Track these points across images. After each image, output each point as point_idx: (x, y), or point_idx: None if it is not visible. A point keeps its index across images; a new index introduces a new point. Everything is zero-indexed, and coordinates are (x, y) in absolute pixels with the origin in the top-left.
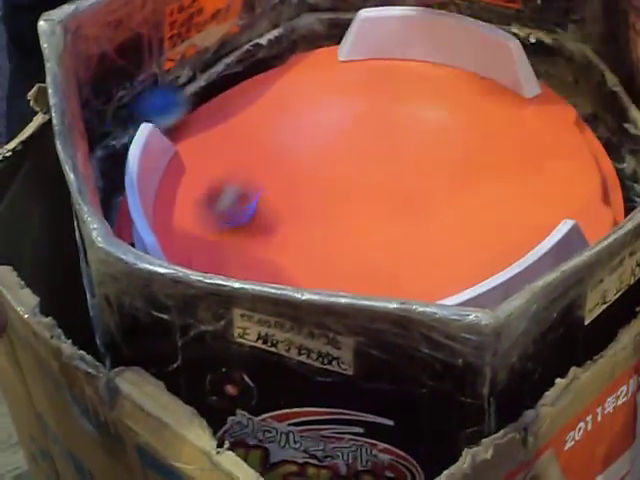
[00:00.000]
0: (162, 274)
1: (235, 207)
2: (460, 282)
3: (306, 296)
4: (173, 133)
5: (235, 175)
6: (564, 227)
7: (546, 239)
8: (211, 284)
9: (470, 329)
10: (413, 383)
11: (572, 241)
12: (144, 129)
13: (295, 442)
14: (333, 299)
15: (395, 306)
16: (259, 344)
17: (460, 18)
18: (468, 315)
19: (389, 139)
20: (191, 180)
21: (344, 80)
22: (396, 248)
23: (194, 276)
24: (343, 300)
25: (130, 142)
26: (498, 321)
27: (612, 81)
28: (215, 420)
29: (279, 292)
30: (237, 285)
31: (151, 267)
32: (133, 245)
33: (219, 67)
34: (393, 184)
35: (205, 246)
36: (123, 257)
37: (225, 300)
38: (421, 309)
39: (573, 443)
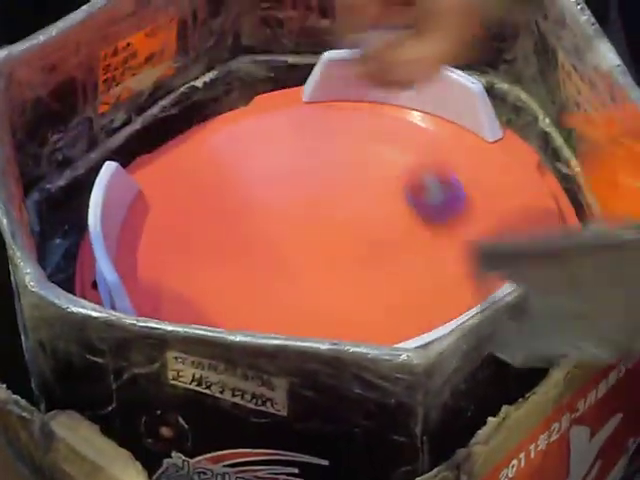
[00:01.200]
0: (95, 318)
1: (447, 196)
2: (420, 327)
3: (238, 338)
4: (136, 171)
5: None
6: None
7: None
8: (144, 327)
9: (402, 369)
10: (347, 423)
11: None
12: (108, 167)
13: None
14: (264, 341)
15: (326, 347)
16: (193, 386)
17: None
18: (399, 355)
19: (352, 183)
20: (155, 219)
21: (307, 121)
22: (358, 295)
23: (127, 320)
24: (274, 342)
25: (66, 185)
26: (429, 360)
27: (544, 121)
28: (151, 462)
29: (211, 334)
30: (170, 328)
31: (84, 311)
32: (95, 285)
33: (154, 110)
34: (357, 231)
35: (171, 284)
36: (56, 301)
37: (158, 343)
38: (353, 349)
39: None
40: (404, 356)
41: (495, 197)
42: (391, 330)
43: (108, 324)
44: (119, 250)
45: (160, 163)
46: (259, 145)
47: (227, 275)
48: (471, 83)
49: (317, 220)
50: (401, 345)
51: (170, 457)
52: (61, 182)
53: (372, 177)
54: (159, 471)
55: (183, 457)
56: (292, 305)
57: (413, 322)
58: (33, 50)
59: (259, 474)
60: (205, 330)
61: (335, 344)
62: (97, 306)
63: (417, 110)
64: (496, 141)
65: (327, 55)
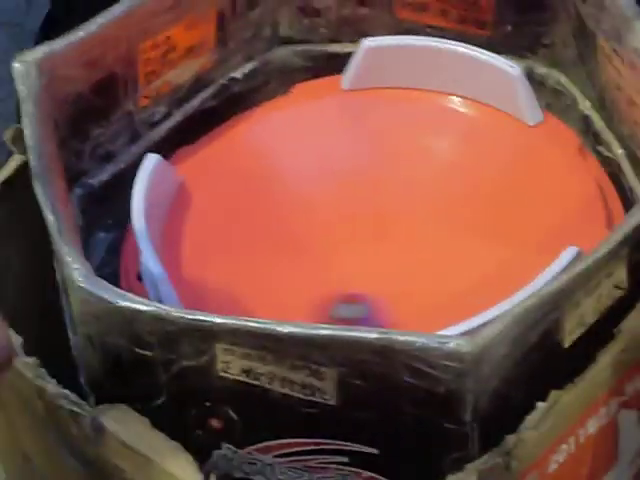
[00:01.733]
0: (144, 311)
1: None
2: (462, 310)
3: (287, 329)
4: (178, 163)
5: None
6: (568, 254)
7: (550, 266)
8: (193, 320)
9: (451, 357)
10: (396, 411)
11: None
12: (150, 159)
13: (281, 474)
14: (314, 331)
15: (375, 336)
16: (242, 377)
17: (462, 46)
18: (448, 343)
19: (392, 168)
20: (198, 211)
21: (348, 108)
22: (390, 277)
23: (175, 312)
24: (324, 332)
25: (108, 179)
26: (478, 348)
27: (584, 104)
28: (200, 454)
29: (260, 326)
30: (219, 320)
31: (133, 305)
32: (140, 279)
33: (194, 102)
34: (393, 213)
35: (215, 276)
36: (104, 296)
37: (207, 335)
38: (401, 338)
39: (556, 466)
40: (453, 344)
41: (538, 181)
42: (435, 317)
43: (156, 317)
44: (163, 243)
45: (201, 155)
46: (300, 134)
47: (271, 268)
48: (510, 67)
49: (361, 211)
50: (447, 331)
51: (219, 448)
52: (103, 176)
53: (414, 164)
54: (209, 462)
55: (233, 448)
56: (335, 298)
57: (455, 310)
58: (73, 46)
59: (309, 464)
60: (254, 322)
61: (384, 333)
62: (145, 300)
63: (456, 95)
64: (537, 125)
65: (366, 42)
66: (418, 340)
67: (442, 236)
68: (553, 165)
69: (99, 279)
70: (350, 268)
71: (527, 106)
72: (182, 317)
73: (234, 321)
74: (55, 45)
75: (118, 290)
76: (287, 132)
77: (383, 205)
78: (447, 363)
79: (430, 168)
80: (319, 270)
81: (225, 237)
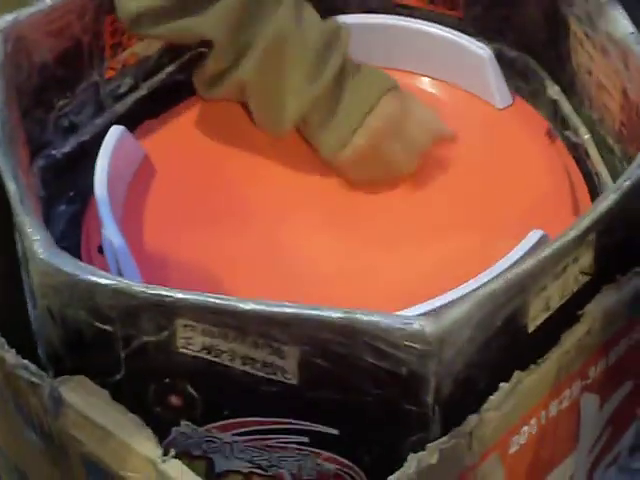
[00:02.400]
0: (104, 285)
1: None
2: (426, 291)
3: (250, 306)
4: (142, 136)
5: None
6: (533, 237)
7: (515, 249)
8: (154, 294)
9: (414, 338)
10: (358, 392)
11: None
12: (114, 131)
13: (240, 452)
14: (278, 309)
15: (339, 315)
16: (203, 354)
17: (432, 26)
18: (412, 324)
19: None
20: (161, 184)
21: None
22: (354, 255)
23: (137, 287)
24: (288, 310)
25: (71, 151)
26: (442, 329)
27: (552, 89)
28: (159, 431)
29: (223, 302)
30: (180, 295)
31: (93, 278)
32: (101, 251)
33: (161, 75)
34: (357, 193)
35: (178, 250)
36: (65, 268)
37: (168, 310)
38: (365, 318)
39: (518, 447)
40: (416, 325)
41: (506, 164)
42: (398, 297)
43: (117, 291)
44: (124, 215)
45: (166, 128)
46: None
47: (233, 241)
48: (480, 49)
49: (324, 189)
50: (410, 310)
51: (179, 425)
52: (67, 148)
53: None
54: (168, 439)
55: (192, 425)
56: (299, 272)
57: (420, 291)
58: (40, 15)
59: (269, 443)
60: (216, 298)
61: (347, 312)
62: (106, 273)
63: (426, 76)
64: (506, 108)
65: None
66: (382, 320)
67: (408, 217)
68: (521, 148)
69: (60, 251)
70: (312, 244)
71: (496, 89)
72: (143, 291)
73: (195, 297)
74: (20, 14)
75: (79, 262)
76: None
77: (347, 185)
78: (410, 344)
79: None
80: (279, 244)
81: (188, 211)
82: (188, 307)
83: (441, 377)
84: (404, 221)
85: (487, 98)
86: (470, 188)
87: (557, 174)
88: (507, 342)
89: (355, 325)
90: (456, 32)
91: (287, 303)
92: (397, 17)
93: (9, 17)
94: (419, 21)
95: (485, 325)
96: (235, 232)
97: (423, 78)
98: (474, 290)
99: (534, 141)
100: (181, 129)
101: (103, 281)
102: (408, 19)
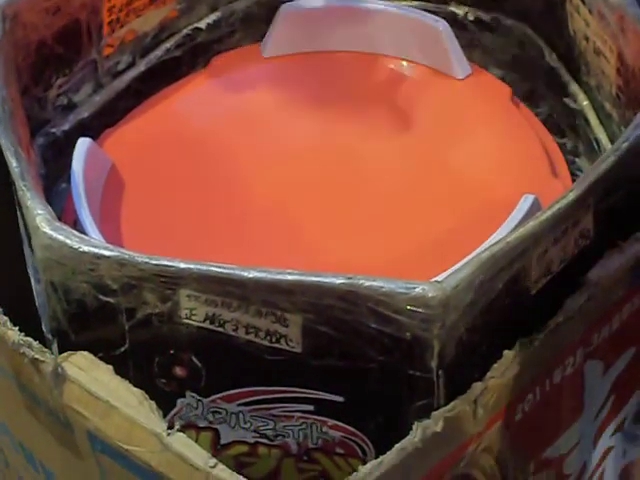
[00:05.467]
0: (107, 256)
1: None
2: (423, 263)
3: (253, 274)
4: (108, 143)
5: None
6: (526, 203)
7: (510, 216)
8: (157, 265)
9: (417, 302)
10: (362, 358)
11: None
12: (82, 143)
13: (245, 422)
14: (280, 276)
15: (342, 281)
16: (206, 324)
17: (382, 3)
18: (414, 288)
19: (325, 133)
20: (133, 190)
21: (272, 76)
22: (348, 228)
23: (140, 258)
24: (290, 277)
25: (70, 129)
26: (445, 293)
27: (550, 57)
28: (164, 403)
29: (225, 271)
30: (183, 265)
31: (96, 250)
32: None
33: (158, 52)
34: (333, 177)
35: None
36: (67, 241)
37: (171, 281)
38: (368, 283)
39: (522, 415)
40: (419, 289)
41: (476, 131)
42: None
43: (120, 262)
44: (101, 222)
45: (128, 134)
46: (224, 105)
47: (212, 241)
48: (435, 21)
49: (302, 176)
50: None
51: (184, 397)
52: (66, 126)
53: (346, 128)
54: (173, 411)
55: (197, 397)
56: (297, 260)
57: (426, 264)
58: None
59: (274, 412)
60: (218, 267)
61: (350, 278)
62: (109, 245)
63: (383, 55)
64: (466, 77)
65: (285, 7)
66: (385, 285)
67: (385, 198)
68: (489, 115)
69: (62, 225)
70: (301, 235)
71: (455, 59)
72: (146, 262)
73: (199, 266)
74: None
75: (81, 235)
76: (214, 104)
77: (321, 169)
78: (413, 308)
79: (364, 130)
80: (261, 242)
81: (163, 215)
82: (191, 277)
83: (445, 341)
84: (383, 202)
85: (447, 71)
86: (447, 163)
87: (528, 138)
88: (509, 306)
89: (358, 290)
90: (407, 6)
91: (289, 270)
92: None
93: None
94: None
95: (487, 288)
96: (215, 234)
97: (381, 57)
98: (476, 255)
99: (500, 107)
100: (144, 136)
101: (105, 253)
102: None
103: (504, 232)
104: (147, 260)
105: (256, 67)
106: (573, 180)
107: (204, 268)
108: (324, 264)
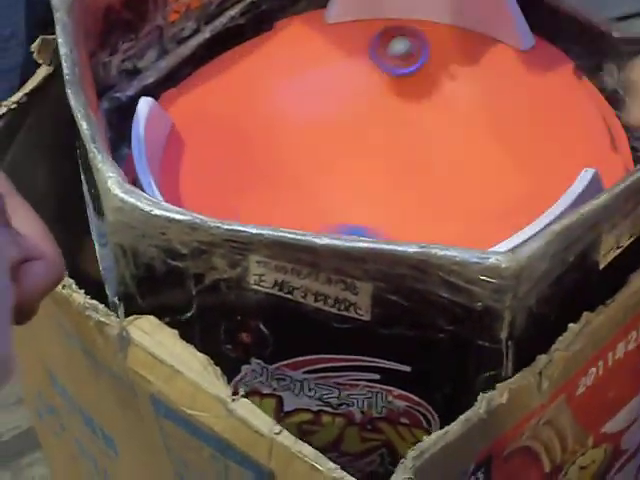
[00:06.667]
0: (179, 221)
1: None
2: (487, 235)
3: (325, 241)
4: (169, 104)
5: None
6: (586, 176)
7: (570, 189)
8: (229, 230)
9: (490, 272)
10: (431, 328)
11: (592, 190)
12: (145, 103)
13: (310, 390)
14: (352, 244)
15: (415, 250)
16: (275, 291)
17: None
18: (488, 258)
19: (390, 100)
20: (192, 152)
21: (335, 43)
22: (410, 203)
23: (211, 222)
24: (363, 245)
25: (135, 94)
26: (518, 263)
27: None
28: (229, 369)
29: (298, 237)
30: (255, 231)
31: (168, 214)
32: None
33: (223, 19)
34: (397, 145)
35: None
36: (139, 204)
37: (242, 246)
38: (441, 253)
39: (584, 389)
40: (493, 259)
41: (538, 104)
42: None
43: (192, 227)
44: (160, 179)
45: (190, 96)
46: (287, 71)
47: (269, 202)
48: None
49: (361, 145)
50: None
51: (249, 363)
52: (130, 91)
53: (410, 98)
54: (237, 377)
55: (262, 363)
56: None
57: (494, 229)
58: None
59: (339, 380)
60: (291, 233)
61: (423, 247)
62: (181, 209)
63: (446, 24)
64: (529, 49)
65: None
66: (458, 255)
67: (449, 168)
68: (551, 88)
69: (133, 187)
70: (353, 201)
71: (519, 31)
72: (218, 227)
73: (271, 232)
74: None
75: (153, 198)
76: (276, 68)
77: (387, 137)
78: (486, 278)
79: (427, 101)
80: (318, 205)
81: (221, 172)
82: (262, 243)
83: (515, 312)
84: (448, 173)
85: (510, 42)
86: (505, 134)
87: (590, 112)
88: (579, 279)
89: (431, 259)
90: None
91: (362, 238)
92: None
93: None
94: None
95: (559, 260)
96: (271, 195)
97: (444, 27)
98: (547, 225)
99: (562, 81)
100: (205, 97)
101: (177, 217)
102: None
103: (563, 205)
104: (219, 225)
105: (319, 33)
106: (633, 155)
107: (276, 234)
108: (391, 230)
